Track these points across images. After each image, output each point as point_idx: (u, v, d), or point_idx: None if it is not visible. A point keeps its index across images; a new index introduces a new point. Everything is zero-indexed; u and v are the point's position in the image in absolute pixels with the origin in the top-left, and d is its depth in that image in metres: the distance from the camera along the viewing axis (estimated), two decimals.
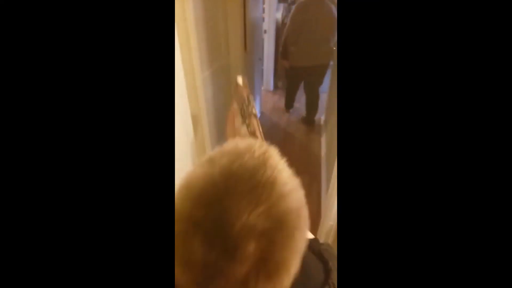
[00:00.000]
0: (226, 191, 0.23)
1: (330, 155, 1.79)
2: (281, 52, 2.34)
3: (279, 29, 3.37)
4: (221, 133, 1.81)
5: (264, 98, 3.21)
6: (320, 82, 2.35)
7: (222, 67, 1.77)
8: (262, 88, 3.15)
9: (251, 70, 2.33)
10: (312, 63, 2.17)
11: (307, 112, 2.61)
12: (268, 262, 0.23)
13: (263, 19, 3.00)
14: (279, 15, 3.27)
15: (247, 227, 0.22)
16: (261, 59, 2.63)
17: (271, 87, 3.52)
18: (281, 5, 3.32)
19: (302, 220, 0.26)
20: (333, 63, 2.22)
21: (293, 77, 2.47)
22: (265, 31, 3.18)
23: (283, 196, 0.24)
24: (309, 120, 2.62)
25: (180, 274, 0.25)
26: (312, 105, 2.52)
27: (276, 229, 0.24)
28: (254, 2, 2.10)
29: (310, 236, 0.45)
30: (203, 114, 1.19)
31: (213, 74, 1.64)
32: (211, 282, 0.23)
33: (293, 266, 0.25)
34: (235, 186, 0.24)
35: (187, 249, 0.24)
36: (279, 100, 3.18)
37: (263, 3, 2.85)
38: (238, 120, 0.47)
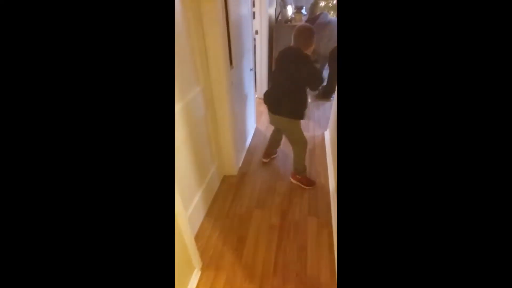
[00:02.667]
0: None
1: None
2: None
3: (272, 27, 2.89)
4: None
5: (258, 108, 2.77)
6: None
7: (194, 97, 1.33)
8: (256, 96, 2.68)
9: (240, 83, 1.88)
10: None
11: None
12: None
13: (253, 17, 2.52)
14: (272, 11, 2.79)
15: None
16: (252, 69, 2.17)
17: None
18: (274, 0, 2.83)
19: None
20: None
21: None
22: (256, 32, 2.70)
23: None
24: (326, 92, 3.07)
25: None
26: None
27: None
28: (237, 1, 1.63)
29: None
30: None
31: (186, 106, 1.20)
32: None
33: None
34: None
35: None
36: None
37: None
38: None
